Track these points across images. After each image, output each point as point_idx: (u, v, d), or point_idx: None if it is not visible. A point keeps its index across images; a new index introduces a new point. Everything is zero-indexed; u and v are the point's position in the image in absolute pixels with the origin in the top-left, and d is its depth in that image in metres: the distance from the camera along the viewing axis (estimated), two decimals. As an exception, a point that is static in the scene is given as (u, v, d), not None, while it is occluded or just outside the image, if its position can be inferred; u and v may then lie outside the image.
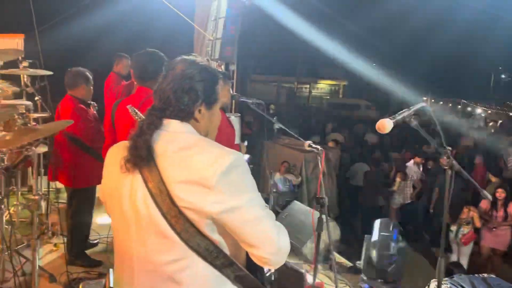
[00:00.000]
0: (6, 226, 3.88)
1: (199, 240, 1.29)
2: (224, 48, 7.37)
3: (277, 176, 7.65)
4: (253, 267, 1.42)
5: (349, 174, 9.60)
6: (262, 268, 1.49)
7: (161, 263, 1.32)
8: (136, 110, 1.52)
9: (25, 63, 4.59)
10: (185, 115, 1.38)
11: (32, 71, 4.56)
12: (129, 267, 1.40)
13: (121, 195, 1.38)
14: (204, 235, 1.30)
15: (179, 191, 1.27)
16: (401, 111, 1.91)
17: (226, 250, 1.35)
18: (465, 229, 6.48)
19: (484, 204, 6.61)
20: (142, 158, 1.31)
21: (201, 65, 1.42)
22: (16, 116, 3.52)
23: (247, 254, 1.38)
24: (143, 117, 1.41)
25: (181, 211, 1.27)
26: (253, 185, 1.34)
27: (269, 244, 1.31)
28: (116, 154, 1.41)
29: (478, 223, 6.42)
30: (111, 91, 5.09)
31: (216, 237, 1.32)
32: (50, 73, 4.59)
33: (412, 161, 9.10)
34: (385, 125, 1.79)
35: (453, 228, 6.60)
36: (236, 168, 1.29)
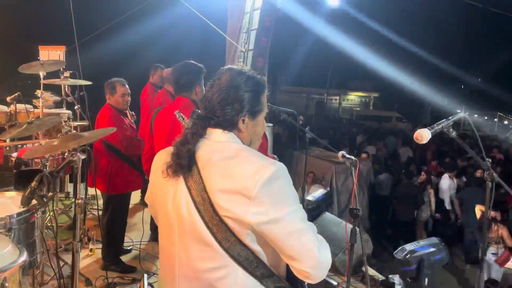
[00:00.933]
0: (46, 231, 4.04)
1: (240, 249, 1.29)
2: (256, 59, 7.47)
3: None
4: (293, 279, 1.40)
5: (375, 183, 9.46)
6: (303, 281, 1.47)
7: (202, 270, 1.33)
8: (183, 116, 1.55)
9: (66, 74, 4.80)
10: (229, 125, 1.39)
11: (72, 81, 4.75)
12: (171, 272, 1.42)
13: (165, 200, 1.41)
14: (245, 244, 1.29)
15: (220, 200, 1.27)
16: (440, 122, 1.89)
17: (266, 261, 1.34)
18: (494, 248, 6.13)
19: None
20: (183, 166, 1.34)
21: (247, 75, 1.42)
22: (63, 123, 3.67)
23: (287, 265, 1.37)
24: (189, 123, 1.43)
25: (222, 219, 1.27)
26: (295, 196, 1.32)
27: (310, 257, 1.28)
28: (161, 160, 1.44)
29: (510, 242, 6.07)
30: (146, 101, 5.23)
31: (256, 247, 1.31)
32: (89, 83, 4.77)
33: (447, 176, 8.84)
34: (423, 135, 1.78)
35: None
36: (278, 179, 1.28)
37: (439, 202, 8.59)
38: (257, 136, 1.49)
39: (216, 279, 1.32)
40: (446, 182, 8.58)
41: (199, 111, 1.44)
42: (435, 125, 1.85)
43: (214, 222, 1.28)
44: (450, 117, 1.94)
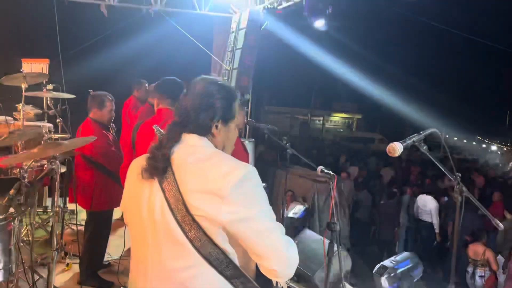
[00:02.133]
0: (22, 244, 3.96)
1: (211, 249, 1.34)
2: (240, 78, 7.57)
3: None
4: (262, 281, 1.45)
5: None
6: (271, 282, 1.51)
7: (174, 269, 1.37)
8: (161, 130, 1.61)
9: (49, 87, 4.79)
10: (204, 130, 1.46)
11: (55, 94, 4.75)
12: (143, 273, 1.45)
13: (139, 204, 1.44)
14: (216, 244, 1.34)
15: (194, 200, 1.33)
16: (411, 136, 1.97)
17: (236, 261, 1.39)
18: (481, 271, 6.14)
19: None
20: (158, 169, 1.39)
21: (219, 83, 1.52)
22: (44, 131, 3.63)
23: (257, 267, 1.42)
24: (166, 130, 1.50)
25: (195, 219, 1.32)
26: (265, 198, 1.39)
27: (278, 255, 1.34)
28: (137, 166, 1.49)
29: (495, 266, 6.05)
30: (129, 112, 5.23)
31: (227, 247, 1.36)
32: (72, 96, 4.76)
33: (431, 198, 8.87)
34: (396, 148, 1.85)
35: (469, 269, 6.31)
36: (249, 181, 1.35)
37: (428, 224, 8.57)
38: (230, 142, 1.57)
39: (187, 278, 1.36)
40: (435, 205, 8.50)
41: (175, 118, 1.50)
42: (407, 139, 1.93)
43: (186, 222, 1.33)
44: (422, 132, 2.02)
